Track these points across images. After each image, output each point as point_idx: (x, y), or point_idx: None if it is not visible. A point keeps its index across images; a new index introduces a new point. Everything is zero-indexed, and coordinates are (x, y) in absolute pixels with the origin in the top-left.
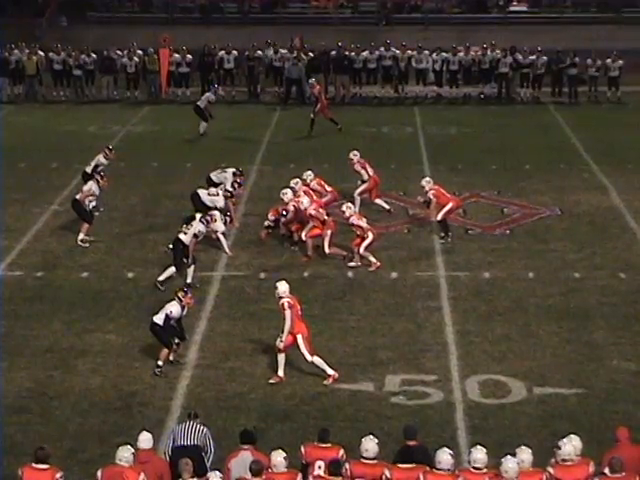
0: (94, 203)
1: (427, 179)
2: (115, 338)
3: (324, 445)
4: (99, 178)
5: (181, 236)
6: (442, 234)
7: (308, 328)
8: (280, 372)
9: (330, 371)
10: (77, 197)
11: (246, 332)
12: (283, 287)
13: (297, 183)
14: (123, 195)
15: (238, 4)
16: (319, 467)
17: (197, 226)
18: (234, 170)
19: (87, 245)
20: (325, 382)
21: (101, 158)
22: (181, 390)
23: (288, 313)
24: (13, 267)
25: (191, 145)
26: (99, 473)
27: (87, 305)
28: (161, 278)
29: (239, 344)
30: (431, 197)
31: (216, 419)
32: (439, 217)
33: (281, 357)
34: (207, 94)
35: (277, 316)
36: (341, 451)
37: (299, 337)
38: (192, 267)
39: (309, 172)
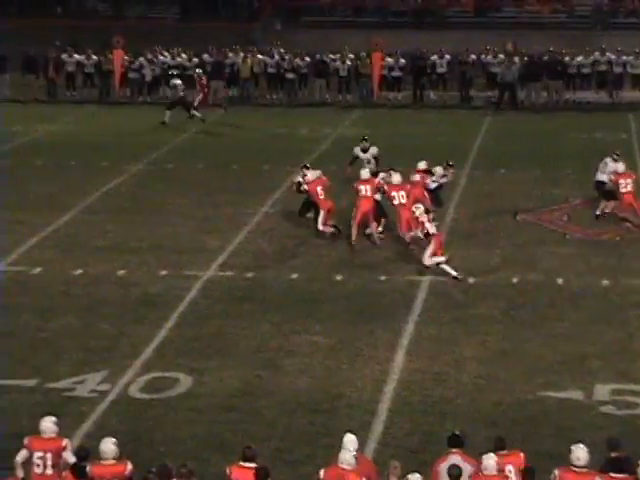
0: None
1: None
2: (323, 340)
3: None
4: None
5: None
6: None
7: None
8: None
9: None
10: None
11: (453, 337)
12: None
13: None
14: None
15: (442, 9)
16: (509, 471)
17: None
18: (444, 165)
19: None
20: None
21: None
22: (388, 394)
23: None
24: (224, 267)
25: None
26: (321, 473)
27: (295, 306)
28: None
29: (446, 349)
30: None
31: (422, 423)
32: None
33: None
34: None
35: (485, 322)
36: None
37: None
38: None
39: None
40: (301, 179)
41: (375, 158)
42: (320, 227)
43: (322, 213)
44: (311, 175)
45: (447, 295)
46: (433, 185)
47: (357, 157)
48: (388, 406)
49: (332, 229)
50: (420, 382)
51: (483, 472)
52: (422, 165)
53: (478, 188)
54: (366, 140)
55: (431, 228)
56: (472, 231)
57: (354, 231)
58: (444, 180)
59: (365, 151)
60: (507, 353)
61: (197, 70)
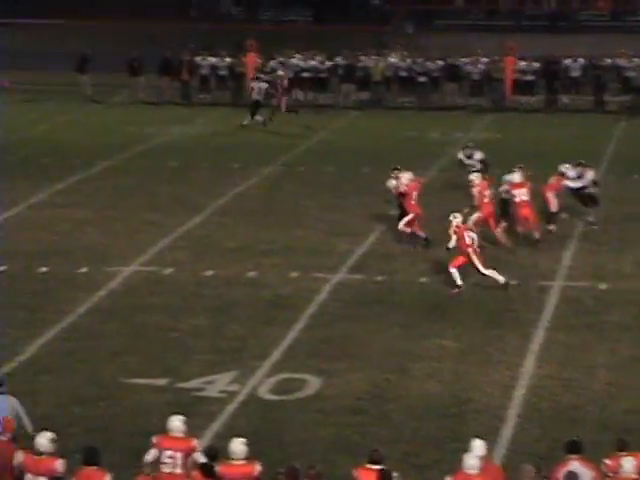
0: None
1: None
2: (452, 344)
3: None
4: None
5: None
6: None
7: None
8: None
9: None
10: None
11: (583, 343)
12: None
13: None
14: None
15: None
16: None
17: None
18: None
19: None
20: None
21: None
22: (517, 400)
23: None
24: (354, 270)
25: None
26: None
27: (425, 310)
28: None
29: (576, 355)
30: None
31: (552, 430)
32: None
33: None
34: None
35: (616, 328)
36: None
37: None
38: None
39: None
40: (395, 182)
41: (482, 162)
42: (400, 226)
43: (410, 216)
44: (406, 178)
45: (578, 301)
46: (572, 185)
47: (462, 162)
48: (517, 412)
49: (410, 230)
50: (550, 388)
51: (620, 475)
52: (562, 168)
53: (611, 193)
54: (470, 147)
55: (452, 243)
56: (604, 237)
57: (501, 235)
58: (584, 181)
59: (470, 157)
60: (638, 360)
61: (279, 72)
